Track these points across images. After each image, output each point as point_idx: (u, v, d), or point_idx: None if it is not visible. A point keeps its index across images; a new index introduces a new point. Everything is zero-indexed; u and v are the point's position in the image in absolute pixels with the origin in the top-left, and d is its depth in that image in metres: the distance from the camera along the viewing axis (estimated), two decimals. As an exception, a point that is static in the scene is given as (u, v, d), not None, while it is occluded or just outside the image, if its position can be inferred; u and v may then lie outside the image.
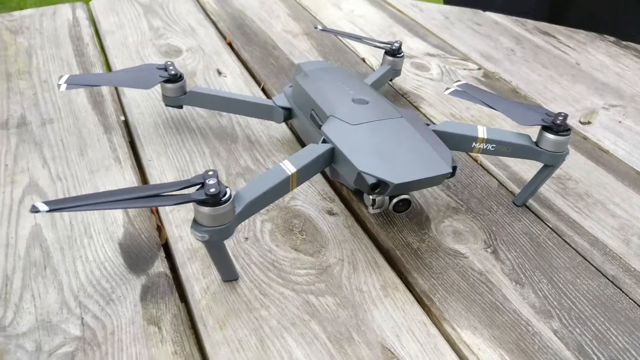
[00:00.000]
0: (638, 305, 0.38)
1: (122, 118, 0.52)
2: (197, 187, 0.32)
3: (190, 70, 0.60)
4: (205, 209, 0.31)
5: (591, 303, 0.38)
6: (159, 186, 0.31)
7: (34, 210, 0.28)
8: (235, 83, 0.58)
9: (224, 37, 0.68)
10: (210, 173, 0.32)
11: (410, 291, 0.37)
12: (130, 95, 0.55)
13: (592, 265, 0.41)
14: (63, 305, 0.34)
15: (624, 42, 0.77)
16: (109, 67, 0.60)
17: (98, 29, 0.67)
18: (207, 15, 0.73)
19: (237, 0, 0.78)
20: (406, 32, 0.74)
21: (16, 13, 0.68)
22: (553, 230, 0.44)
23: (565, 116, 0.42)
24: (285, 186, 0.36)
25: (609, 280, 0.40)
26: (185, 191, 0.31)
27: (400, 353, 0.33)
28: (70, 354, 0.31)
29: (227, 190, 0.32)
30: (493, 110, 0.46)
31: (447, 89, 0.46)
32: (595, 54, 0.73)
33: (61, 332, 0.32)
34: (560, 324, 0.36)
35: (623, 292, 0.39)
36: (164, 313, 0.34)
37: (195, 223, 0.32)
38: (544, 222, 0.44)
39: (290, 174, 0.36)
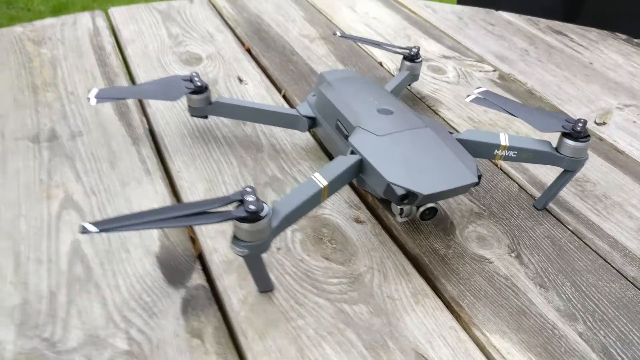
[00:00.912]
0: (660, 307, 0.39)
1: (148, 128, 0.53)
2: (236, 203, 0.33)
3: (211, 78, 0.61)
4: (245, 226, 0.32)
5: (613, 305, 0.39)
6: (201, 203, 0.32)
7: (84, 231, 0.30)
8: (257, 91, 0.60)
9: (242, 43, 0.69)
10: (249, 190, 0.33)
11: (440, 297, 0.39)
12: (155, 105, 0.56)
13: (612, 267, 0.42)
14: (109, 320, 0.35)
15: (635, 40, 0.77)
16: (131, 77, 0.61)
17: (118, 38, 0.68)
18: (225, 20, 0.74)
19: (253, 5, 0.79)
20: (421, 34, 0.75)
21: (37, 23, 0.69)
22: (574, 233, 0.45)
23: (585, 122, 0.43)
24: (317, 198, 0.37)
25: (629, 282, 0.41)
26: (224, 207, 0.33)
27: (434, 357, 0.34)
28: (120, 366, 0.33)
29: (265, 206, 0.33)
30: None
31: (468, 96, 0.47)
32: (607, 52, 0.73)
33: (109, 346, 0.34)
34: (585, 327, 0.37)
35: (645, 294, 0.40)
36: (205, 325, 0.35)
37: (235, 239, 0.33)
38: (564, 225, 0.46)
39: (322, 186, 0.37)
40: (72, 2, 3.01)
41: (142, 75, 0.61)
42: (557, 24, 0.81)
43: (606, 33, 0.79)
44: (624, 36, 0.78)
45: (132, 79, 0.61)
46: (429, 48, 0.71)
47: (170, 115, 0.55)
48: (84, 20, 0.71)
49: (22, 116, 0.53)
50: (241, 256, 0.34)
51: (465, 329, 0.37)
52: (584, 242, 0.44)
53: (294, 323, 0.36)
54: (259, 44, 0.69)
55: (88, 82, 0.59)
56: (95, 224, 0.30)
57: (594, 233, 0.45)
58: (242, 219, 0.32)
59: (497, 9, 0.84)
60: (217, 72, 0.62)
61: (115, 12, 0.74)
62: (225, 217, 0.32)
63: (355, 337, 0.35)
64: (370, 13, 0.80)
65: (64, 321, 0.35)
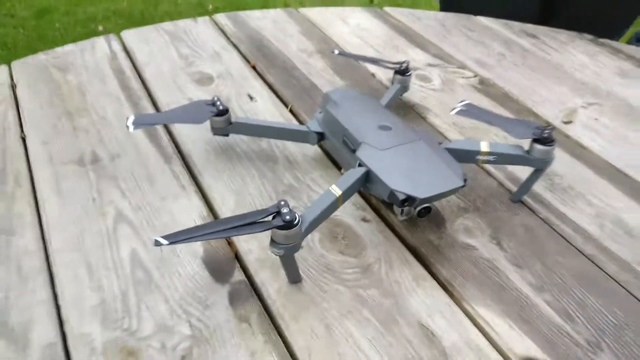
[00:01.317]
0: (609, 276, 0.48)
1: (176, 148, 0.61)
2: (273, 214, 0.41)
3: (224, 96, 0.69)
4: (282, 232, 0.41)
5: (574, 278, 0.48)
6: (248, 216, 0.41)
7: (157, 244, 0.38)
8: (266, 107, 0.68)
9: (248, 61, 0.77)
10: (282, 203, 0.41)
11: (436, 280, 0.48)
12: (179, 126, 0.63)
13: (575, 247, 0.51)
14: (172, 312, 0.44)
15: (600, 40, 0.86)
16: (152, 99, 0.68)
17: (134, 61, 0.75)
18: (228, 38, 0.82)
19: (252, 22, 0.87)
20: (408, 44, 0.83)
21: (58, 50, 0.76)
22: (544, 220, 0.54)
23: (551, 129, 0.51)
24: (335, 205, 0.46)
25: (588, 258, 0.50)
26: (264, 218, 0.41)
27: (434, 328, 0.43)
28: (189, 347, 0.41)
29: (297, 215, 0.41)
30: (490, 124, 0.56)
31: (453, 109, 0.56)
32: (575, 53, 0.82)
33: (177, 332, 0.42)
34: (551, 296, 0.46)
35: (599, 267, 0.49)
36: (250, 312, 0.44)
37: (273, 242, 0.42)
38: (536, 215, 0.55)
39: (338, 195, 0.46)
40: (55, 7, 3.02)
41: (162, 97, 0.68)
42: (530, 27, 0.90)
43: (574, 34, 0.88)
44: (589, 36, 0.87)
45: (153, 101, 0.68)
46: (415, 57, 0.80)
47: (194, 134, 0.62)
48: (100, 44, 0.78)
49: (64, 141, 0.60)
50: (278, 256, 0.42)
51: (457, 304, 0.46)
52: (552, 227, 0.53)
53: (320, 306, 0.45)
54: (263, 61, 0.77)
55: (115, 106, 0.66)
56: (165, 237, 0.38)
57: (560, 220, 0.54)
58: (280, 227, 0.40)
59: (475, 15, 0.92)
60: (228, 90, 0.70)
61: (127, 35, 0.81)
62: (268, 226, 0.40)
63: (370, 315, 0.44)
64: (361, 24, 0.88)
65: (137, 315, 0.43)
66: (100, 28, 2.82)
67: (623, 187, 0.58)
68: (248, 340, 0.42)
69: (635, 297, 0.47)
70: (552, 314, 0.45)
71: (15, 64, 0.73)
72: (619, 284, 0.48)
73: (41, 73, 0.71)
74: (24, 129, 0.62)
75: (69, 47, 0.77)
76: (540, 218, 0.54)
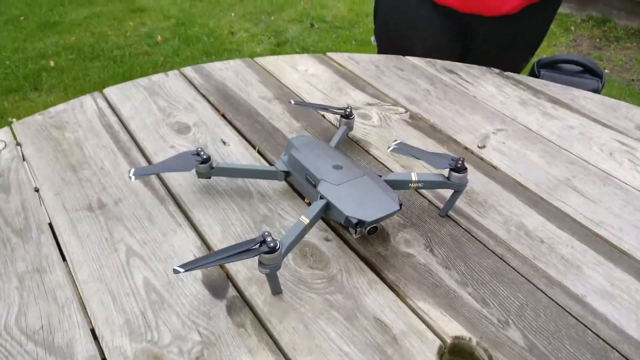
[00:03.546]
0: (515, 270, 0.64)
1: (167, 190, 0.73)
2: (260, 243, 0.55)
3: (202, 143, 0.82)
4: (268, 256, 0.54)
5: (489, 273, 0.64)
6: (241, 245, 0.54)
7: (176, 272, 0.51)
8: (238, 150, 0.81)
9: (217, 110, 0.90)
10: (266, 234, 0.55)
11: (385, 283, 0.62)
12: (169, 173, 0.76)
13: (489, 249, 0.67)
14: (184, 324, 0.56)
15: (505, 73, 1.04)
16: (140, 149, 0.80)
17: (119, 116, 0.87)
18: (198, 90, 0.95)
19: (216, 73, 1.00)
20: (349, 86, 0.98)
21: (52, 110, 0.87)
22: (466, 230, 0.70)
23: (463, 160, 0.67)
24: (305, 231, 0.60)
25: (499, 257, 0.66)
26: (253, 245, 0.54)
27: (386, 320, 0.58)
28: (200, 350, 0.54)
29: (277, 242, 0.55)
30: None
31: (389, 147, 0.71)
32: (486, 85, 1.00)
33: (190, 339, 0.55)
34: (472, 289, 0.62)
35: (507, 263, 0.65)
36: (245, 319, 0.57)
37: (261, 264, 0.55)
38: (459, 225, 0.70)
39: (306, 223, 0.60)
40: (2, 44, 3.03)
41: (149, 147, 0.81)
42: (449, 64, 1.07)
43: (485, 68, 1.06)
44: (497, 70, 1.05)
45: (142, 151, 0.80)
46: (356, 98, 0.95)
47: (181, 178, 0.75)
48: (87, 103, 0.90)
49: (73, 191, 0.72)
50: (265, 274, 0.56)
51: (402, 300, 0.60)
52: (471, 235, 0.69)
53: (298, 310, 0.58)
54: (230, 109, 0.90)
55: (111, 157, 0.78)
56: (181, 266, 0.51)
57: (477, 228, 0.70)
58: (265, 252, 0.54)
59: (407, 52, 1.09)
60: (204, 137, 0.83)
61: (110, 92, 0.93)
62: (257, 252, 0.54)
63: (337, 314, 0.58)
64: (309, 70, 1.02)
65: (157, 329, 0.55)
66: (52, 64, 2.87)
67: (523, 198, 0.75)
68: (246, 340, 0.55)
69: (534, 284, 0.63)
70: (473, 302, 0.60)
71: (16, 125, 0.83)
72: (521, 275, 0.64)
73: (41, 132, 0.82)
74: (36, 183, 0.73)
75: (60, 107, 0.88)
76: (463, 228, 0.70)
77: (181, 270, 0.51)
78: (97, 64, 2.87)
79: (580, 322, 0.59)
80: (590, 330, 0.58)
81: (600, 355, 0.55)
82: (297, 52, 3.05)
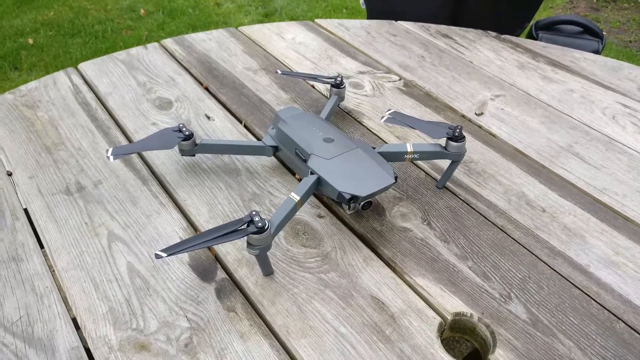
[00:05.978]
0: (516, 241, 0.61)
1: (150, 170, 0.69)
2: (247, 223, 0.51)
3: (184, 118, 0.78)
4: (256, 236, 0.51)
5: (489, 245, 0.61)
6: (228, 225, 0.51)
7: (158, 257, 0.47)
8: (223, 124, 0.77)
9: (200, 83, 0.85)
10: (254, 213, 0.51)
11: (381, 259, 0.59)
12: (151, 151, 0.72)
13: (489, 220, 0.64)
14: (171, 310, 0.53)
15: (502, 36, 1.00)
16: (120, 127, 0.76)
17: (96, 92, 0.83)
18: (179, 63, 0.90)
19: (198, 45, 0.95)
20: (340, 54, 0.94)
21: (23, 87, 0.82)
22: (464, 201, 0.67)
23: (461, 128, 0.64)
24: (295, 209, 0.56)
25: (499, 229, 0.63)
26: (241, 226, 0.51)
27: (383, 298, 0.55)
28: (189, 337, 0.51)
29: (266, 221, 0.52)
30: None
31: (382, 117, 0.68)
32: (482, 50, 0.96)
33: (177, 326, 0.52)
34: (472, 262, 0.59)
35: (508, 234, 0.62)
36: (235, 303, 0.54)
37: (249, 244, 0.52)
38: (457, 197, 0.67)
39: (297, 200, 0.56)
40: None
41: (129, 124, 0.76)
42: (444, 28, 1.03)
43: (481, 32, 1.01)
44: (493, 33, 1.01)
45: (122, 129, 0.76)
46: (347, 66, 0.91)
47: (164, 157, 0.71)
48: (61, 79, 0.85)
49: (49, 174, 0.68)
50: (254, 255, 0.52)
51: (400, 277, 0.57)
52: (470, 206, 0.66)
53: (291, 291, 0.55)
54: (214, 82, 0.86)
55: (88, 136, 0.74)
56: (164, 250, 0.48)
57: (476, 199, 0.67)
58: (254, 233, 0.51)
59: (396, 20, 1.04)
60: (187, 112, 0.79)
61: (85, 67, 0.88)
62: (245, 233, 0.50)
63: (332, 294, 0.55)
64: (296, 38, 0.98)
65: (142, 316, 0.52)
66: (31, 41, 2.78)
67: (523, 166, 0.72)
68: (237, 325, 0.52)
69: (536, 256, 0.60)
70: (473, 276, 0.58)
71: (-15, 106, 0.79)
72: (523, 247, 0.61)
73: (12, 112, 0.78)
74: (9, 166, 0.69)
75: (32, 84, 0.83)
76: (461, 199, 0.67)
77: (163, 255, 0.48)
78: (78, 40, 2.78)
79: (585, 293, 0.56)
80: (595, 300, 0.56)
81: (605, 327, 0.53)
82: (285, 23, 2.97)
